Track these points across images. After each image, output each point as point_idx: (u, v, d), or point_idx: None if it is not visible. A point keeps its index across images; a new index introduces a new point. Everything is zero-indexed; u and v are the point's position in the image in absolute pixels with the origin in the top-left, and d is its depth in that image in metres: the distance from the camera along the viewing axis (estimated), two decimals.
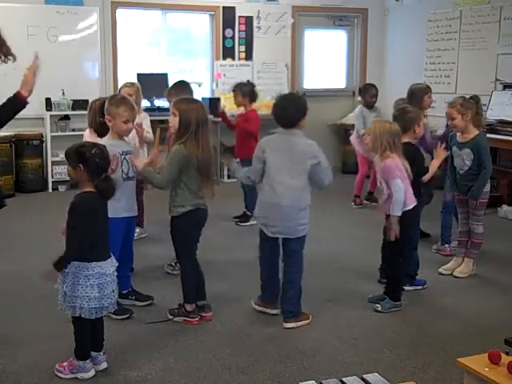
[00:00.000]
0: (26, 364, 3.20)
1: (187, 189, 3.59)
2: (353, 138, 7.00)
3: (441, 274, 4.63)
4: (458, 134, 4.55)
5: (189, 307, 3.71)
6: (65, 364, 3.08)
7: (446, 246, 5.10)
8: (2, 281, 4.37)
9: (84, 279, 2.93)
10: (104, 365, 3.13)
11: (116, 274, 3.08)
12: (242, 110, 6.10)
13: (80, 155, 2.96)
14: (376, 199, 6.52)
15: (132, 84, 5.38)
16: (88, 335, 3.07)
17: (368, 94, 6.88)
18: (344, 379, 2.25)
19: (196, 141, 3.53)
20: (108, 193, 3.04)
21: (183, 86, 4.97)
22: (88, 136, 4.33)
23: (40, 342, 3.44)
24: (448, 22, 8.01)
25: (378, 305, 3.92)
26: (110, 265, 3.04)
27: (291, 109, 3.65)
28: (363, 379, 2.26)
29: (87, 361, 3.06)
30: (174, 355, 3.29)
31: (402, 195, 3.76)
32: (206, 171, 3.62)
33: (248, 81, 6.18)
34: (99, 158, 2.98)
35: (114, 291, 3.06)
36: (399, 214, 3.78)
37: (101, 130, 3.98)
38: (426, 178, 4.14)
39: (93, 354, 3.11)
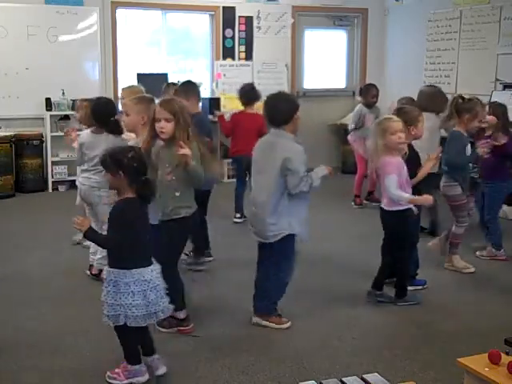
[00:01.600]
0: (26, 364, 3.20)
1: (191, 188, 3.49)
2: (350, 138, 7.00)
3: (446, 269, 4.69)
4: None
5: (182, 314, 3.56)
6: (118, 370, 2.99)
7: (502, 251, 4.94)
8: (2, 281, 4.37)
9: (125, 287, 2.83)
10: (163, 369, 3.05)
11: (159, 281, 2.93)
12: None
13: (118, 162, 2.84)
14: (376, 199, 6.51)
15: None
16: (134, 340, 2.98)
17: (369, 94, 6.88)
18: (344, 379, 2.25)
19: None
20: (149, 196, 2.94)
21: (189, 86, 4.93)
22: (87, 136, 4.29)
23: (40, 342, 3.44)
24: (448, 22, 8.00)
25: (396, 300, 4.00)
26: (151, 271, 2.91)
27: (276, 107, 3.58)
28: (363, 379, 2.26)
29: (142, 364, 3.00)
30: (174, 355, 3.28)
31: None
32: None
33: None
34: (137, 162, 2.87)
35: (161, 298, 2.92)
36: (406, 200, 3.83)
37: (116, 128, 4.17)
38: (415, 181, 4.01)
39: (148, 358, 3.05)
